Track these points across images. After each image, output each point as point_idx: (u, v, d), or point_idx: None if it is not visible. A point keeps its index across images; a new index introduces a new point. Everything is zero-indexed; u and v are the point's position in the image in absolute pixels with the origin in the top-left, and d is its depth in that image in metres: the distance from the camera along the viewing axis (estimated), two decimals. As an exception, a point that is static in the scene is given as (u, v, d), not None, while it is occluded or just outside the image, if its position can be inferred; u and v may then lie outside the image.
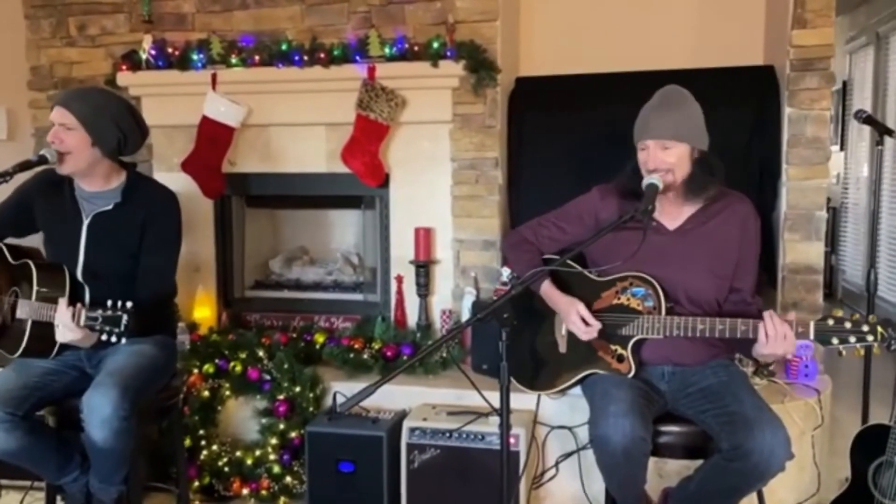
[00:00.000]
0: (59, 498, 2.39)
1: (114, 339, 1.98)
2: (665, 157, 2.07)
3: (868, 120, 2.96)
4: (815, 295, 3.01)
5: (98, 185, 2.34)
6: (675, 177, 2.08)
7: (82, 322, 2.01)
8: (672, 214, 2.19)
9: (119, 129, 2.29)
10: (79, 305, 2.04)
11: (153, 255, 2.34)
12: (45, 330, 2.11)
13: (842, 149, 6.27)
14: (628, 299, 2.15)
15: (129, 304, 1.98)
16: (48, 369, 2.25)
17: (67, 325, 2.02)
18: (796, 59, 2.94)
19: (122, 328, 1.97)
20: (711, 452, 2.03)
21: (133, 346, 2.27)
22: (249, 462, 2.87)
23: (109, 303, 2.00)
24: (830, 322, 1.87)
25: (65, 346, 2.17)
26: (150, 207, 2.35)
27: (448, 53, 3.07)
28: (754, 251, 2.21)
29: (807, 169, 2.98)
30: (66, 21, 3.56)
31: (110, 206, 2.31)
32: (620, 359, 2.15)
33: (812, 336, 1.89)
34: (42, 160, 2.23)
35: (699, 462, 2.09)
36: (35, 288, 2.20)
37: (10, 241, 2.46)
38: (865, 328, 1.86)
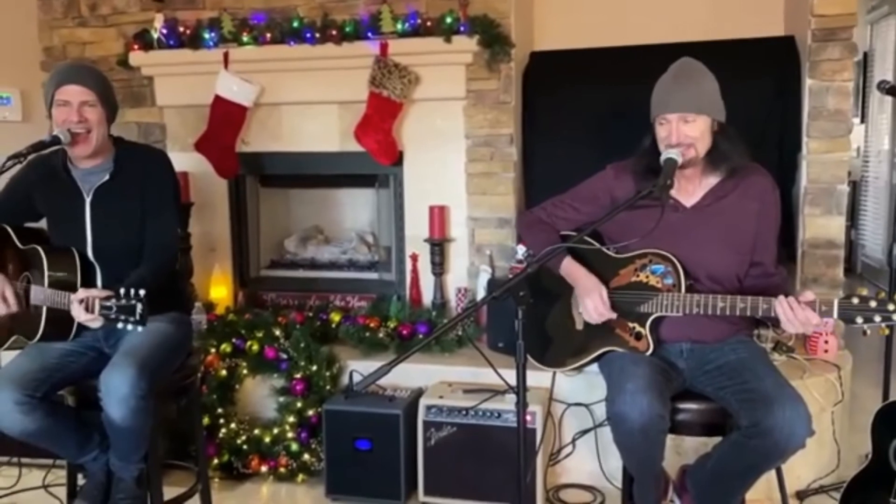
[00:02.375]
0: (80, 476, 2.41)
1: (130, 326, 1.97)
2: (687, 130, 2.03)
3: (891, 90, 2.88)
4: (835, 270, 2.97)
5: (96, 161, 2.32)
6: (697, 151, 2.05)
7: (97, 311, 2.00)
8: (689, 191, 2.16)
9: (116, 100, 2.34)
10: (92, 296, 2.03)
11: (156, 216, 2.32)
12: (61, 314, 2.11)
13: (862, 121, 6.16)
14: (647, 276, 2.13)
15: (142, 292, 1.96)
16: (66, 350, 2.26)
17: (85, 318, 2.03)
18: (818, 29, 2.88)
19: (138, 316, 1.95)
20: (730, 430, 2.02)
21: (149, 325, 2.26)
22: (267, 440, 2.89)
23: (122, 291, 1.98)
24: (855, 300, 1.83)
25: (83, 327, 2.17)
26: (145, 170, 2.34)
27: (461, 28, 3.04)
28: (774, 224, 2.17)
29: (828, 142, 2.92)
30: (77, 1, 3.56)
31: (106, 178, 2.31)
32: (638, 336, 2.13)
33: (836, 315, 1.86)
34: (55, 141, 2.21)
35: (717, 439, 2.08)
36: (46, 273, 2.19)
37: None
38: (891, 307, 1.82)
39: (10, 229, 2.37)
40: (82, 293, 2.05)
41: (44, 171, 2.35)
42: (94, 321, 2.03)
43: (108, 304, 1.98)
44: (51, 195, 2.35)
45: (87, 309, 2.02)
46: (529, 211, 2.47)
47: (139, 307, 1.95)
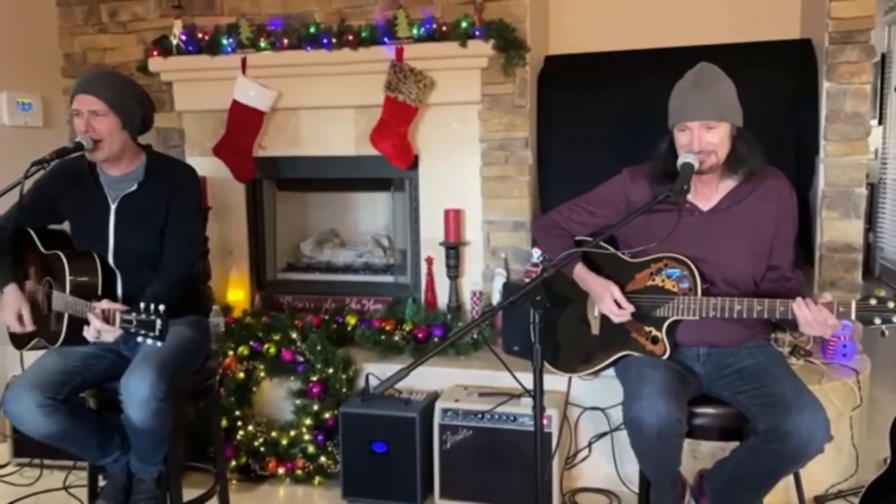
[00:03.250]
0: (100, 477, 2.44)
1: (149, 341, 1.97)
2: (709, 137, 2.03)
3: (910, 93, 2.87)
4: (853, 273, 2.95)
5: (123, 169, 2.35)
6: (717, 157, 2.05)
7: (118, 324, 2.02)
8: (705, 195, 2.16)
9: (140, 106, 2.33)
10: (113, 309, 2.05)
11: (178, 229, 2.34)
12: (82, 322, 2.14)
13: (880, 123, 6.11)
14: (663, 280, 2.13)
15: (161, 308, 1.96)
16: (87, 353, 2.29)
17: (106, 330, 2.05)
18: (835, 32, 2.86)
19: (157, 332, 1.96)
20: (747, 434, 2.01)
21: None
22: (284, 442, 2.91)
23: (142, 305, 1.99)
24: (873, 301, 1.83)
25: None
26: (173, 183, 2.36)
27: (476, 33, 3.05)
28: (792, 227, 2.16)
29: (846, 145, 2.91)
30: (97, 8, 3.60)
31: (135, 187, 2.33)
32: (655, 340, 2.13)
33: (854, 316, 1.85)
34: (78, 147, 2.24)
35: (734, 444, 2.07)
36: (68, 280, 2.22)
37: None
38: (910, 308, 1.81)
39: (33, 233, 2.40)
40: (105, 304, 2.07)
41: (70, 175, 2.37)
42: (112, 333, 2.05)
43: (128, 317, 1.99)
44: (76, 199, 2.37)
45: (106, 321, 2.04)
46: (545, 214, 2.48)
47: (159, 323, 1.96)
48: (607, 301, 2.14)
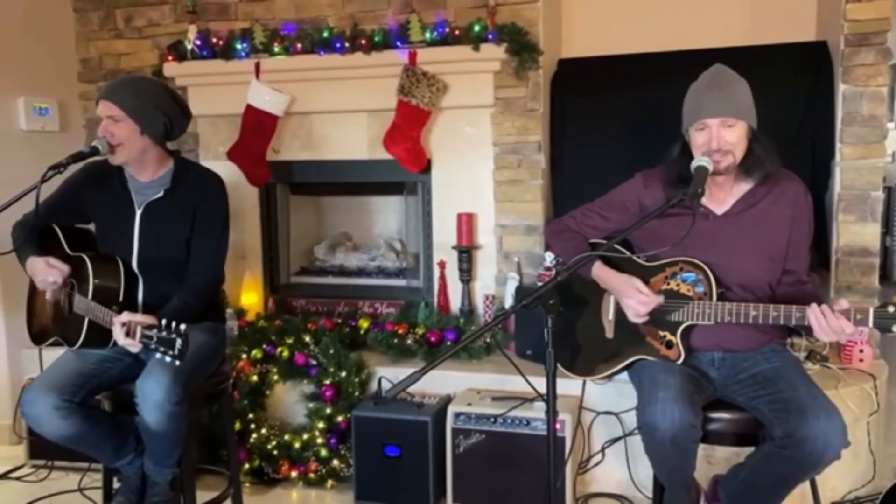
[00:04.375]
0: (115, 479, 2.46)
1: (168, 359, 1.97)
2: (728, 135, 2.01)
3: (927, 95, 2.84)
4: (870, 278, 2.92)
5: (150, 174, 2.37)
6: (734, 157, 2.03)
7: (138, 338, 2.03)
8: (720, 199, 2.14)
9: (164, 114, 2.32)
10: (134, 322, 2.05)
11: (204, 239, 2.36)
12: (101, 326, 2.15)
13: (897, 125, 6.05)
14: (678, 284, 2.11)
15: (182, 327, 1.97)
16: (104, 356, 2.30)
17: (127, 344, 2.06)
18: (851, 34, 2.84)
19: (177, 351, 1.96)
20: (762, 440, 2.00)
21: (186, 334, 2.31)
22: (297, 445, 2.92)
23: (164, 322, 1.99)
24: (891, 309, 1.80)
25: None
26: (200, 192, 2.37)
27: (489, 36, 3.05)
28: (807, 231, 2.15)
29: (862, 148, 2.88)
30: (113, 13, 3.63)
31: (161, 194, 2.35)
32: (669, 345, 2.12)
33: (871, 324, 1.83)
34: (94, 151, 2.26)
35: (749, 450, 2.06)
36: (91, 284, 2.24)
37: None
38: (928, 316, 1.79)
39: (59, 232, 2.43)
40: (126, 316, 2.08)
41: (99, 177, 2.40)
42: (133, 347, 2.06)
43: (149, 333, 2.00)
44: (102, 202, 2.40)
45: (127, 333, 2.05)
46: (558, 219, 2.47)
47: (179, 342, 1.96)
48: (632, 294, 2.12)
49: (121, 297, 2.27)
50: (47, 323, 2.43)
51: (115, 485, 2.45)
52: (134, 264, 2.34)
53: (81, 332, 2.24)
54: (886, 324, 1.82)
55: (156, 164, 2.37)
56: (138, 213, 2.35)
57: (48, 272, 2.26)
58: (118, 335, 2.07)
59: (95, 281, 2.25)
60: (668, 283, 2.13)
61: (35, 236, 2.36)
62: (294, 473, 2.92)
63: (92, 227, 2.47)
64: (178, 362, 1.98)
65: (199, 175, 2.44)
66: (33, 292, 2.52)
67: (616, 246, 2.01)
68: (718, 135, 2.01)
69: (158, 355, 1.99)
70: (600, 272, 2.22)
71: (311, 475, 2.89)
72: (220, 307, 2.65)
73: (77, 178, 2.43)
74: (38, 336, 2.46)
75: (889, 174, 6.03)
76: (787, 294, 2.07)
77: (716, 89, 2.04)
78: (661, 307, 2.10)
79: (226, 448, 2.78)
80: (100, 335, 2.19)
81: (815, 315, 1.87)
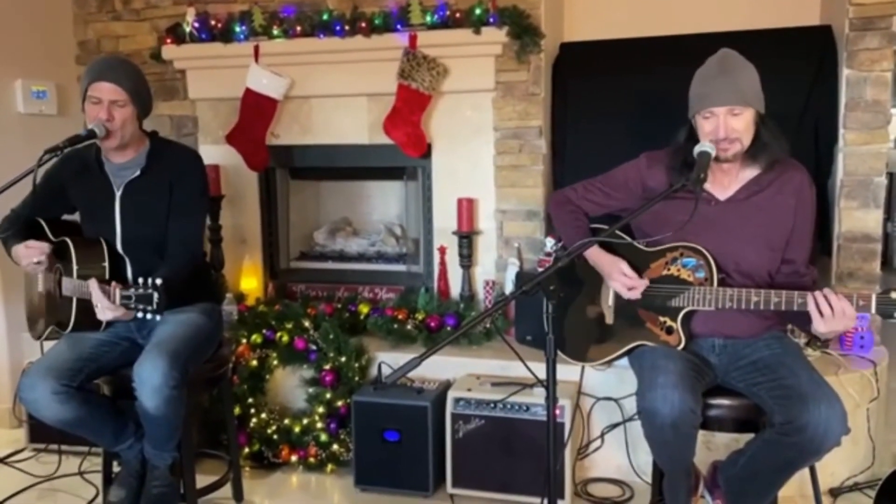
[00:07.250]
0: (115, 464, 2.46)
1: (149, 315, 2.00)
2: (735, 123, 1.99)
3: (932, 81, 2.82)
4: (871, 264, 2.91)
5: (128, 156, 2.36)
6: (742, 144, 2.02)
7: (118, 301, 2.04)
8: (723, 184, 2.13)
9: (149, 94, 2.36)
10: (112, 285, 2.07)
11: (181, 217, 2.35)
12: (90, 305, 2.15)
13: (900, 111, 6.01)
14: (678, 270, 2.10)
15: (158, 281, 1.99)
16: (101, 341, 2.30)
17: (106, 305, 2.06)
18: (856, 18, 2.81)
19: (155, 305, 1.99)
20: (762, 426, 2.00)
21: (180, 316, 2.31)
22: (297, 430, 2.92)
23: (140, 280, 2.01)
24: (894, 295, 1.80)
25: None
26: (176, 169, 2.36)
27: (490, 20, 3.02)
28: (809, 222, 2.13)
29: (865, 133, 2.86)
30: (111, -5, 3.60)
31: (137, 173, 2.34)
32: (669, 331, 2.11)
33: (874, 310, 1.82)
34: (91, 135, 2.25)
35: (749, 436, 2.06)
36: (75, 265, 2.24)
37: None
38: (930, 302, 1.78)
39: (43, 223, 2.42)
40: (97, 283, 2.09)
41: (78, 164, 2.39)
42: (113, 310, 2.06)
43: (127, 293, 2.02)
44: (84, 188, 2.39)
45: (107, 296, 2.06)
46: (561, 190, 2.46)
47: (156, 296, 1.98)
48: (616, 277, 2.13)
49: (107, 276, 2.26)
50: (43, 314, 2.43)
51: (116, 469, 2.45)
52: (118, 245, 2.34)
53: (71, 313, 2.24)
54: (889, 310, 1.81)
55: (135, 146, 2.37)
56: (118, 194, 2.34)
57: (28, 254, 2.27)
58: (99, 305, 2.07)
59: (78, 259, 2.24)
60: (669, 269, 2.12)
61: (20, 226, 2.37)
62: (294, 458, 2.92)
63: (77, 217, 2.47)
64: (158, 317, 2.00)
65: (175, 153, 2.43)
66: (31, 292, 2.52)
67: (618, 232, 2.00)
68: (725, 123, 1.99)
69: (139, 314, 2.00)
70: (590, 253, 2.22)
71: (311, 460, 2.90)
72: (212, 287, 2.64)
73: (57, 169, 2.40)
74: (39, 330, 2.46)
75: (892, 160, 6.00)
76: (785, 285, 2.05)
77: (723, 76, 2.01)
78: (651, 290, 2.09)
79: (226, 432, 2.79)
80: (90, 317, 2.18)
81: (818, 300, 1.85)
